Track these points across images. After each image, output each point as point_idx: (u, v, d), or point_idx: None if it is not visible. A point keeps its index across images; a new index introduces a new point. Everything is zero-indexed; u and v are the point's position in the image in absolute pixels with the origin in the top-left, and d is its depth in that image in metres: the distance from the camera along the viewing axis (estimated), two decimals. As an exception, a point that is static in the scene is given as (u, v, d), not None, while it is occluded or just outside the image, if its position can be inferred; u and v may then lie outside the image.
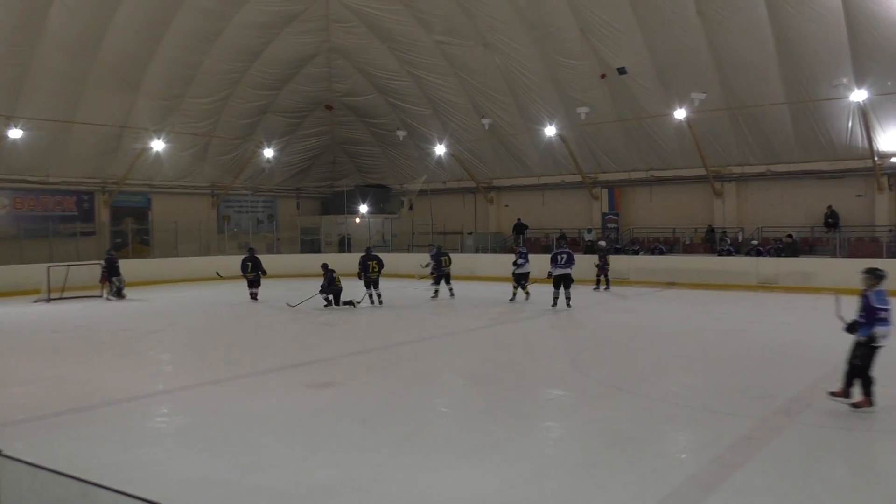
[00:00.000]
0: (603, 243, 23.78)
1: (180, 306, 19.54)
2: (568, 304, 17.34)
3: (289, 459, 6.48)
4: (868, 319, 7.59)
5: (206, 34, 26.02)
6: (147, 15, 24.06)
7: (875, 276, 7.75)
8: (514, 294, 18.94)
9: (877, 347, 7.59)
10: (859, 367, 7.67)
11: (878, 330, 7.50)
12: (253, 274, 20.08)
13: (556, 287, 17.50)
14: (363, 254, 19.22)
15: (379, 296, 18.69)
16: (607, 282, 21.86)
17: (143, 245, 29.25)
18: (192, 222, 30.01)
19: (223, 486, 5.87)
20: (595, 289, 21.73)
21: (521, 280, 18.81)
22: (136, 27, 24.15)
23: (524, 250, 19.31)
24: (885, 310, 7.54)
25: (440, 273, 19.94)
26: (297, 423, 7.65)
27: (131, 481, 5.86)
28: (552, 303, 17.37)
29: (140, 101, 26.36)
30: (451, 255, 21.14)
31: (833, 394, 7.90)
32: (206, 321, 16.72)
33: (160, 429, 7.79)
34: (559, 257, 17.53)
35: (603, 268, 21.85)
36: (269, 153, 30.83)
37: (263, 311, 18.16)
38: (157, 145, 27.08)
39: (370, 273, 18.58)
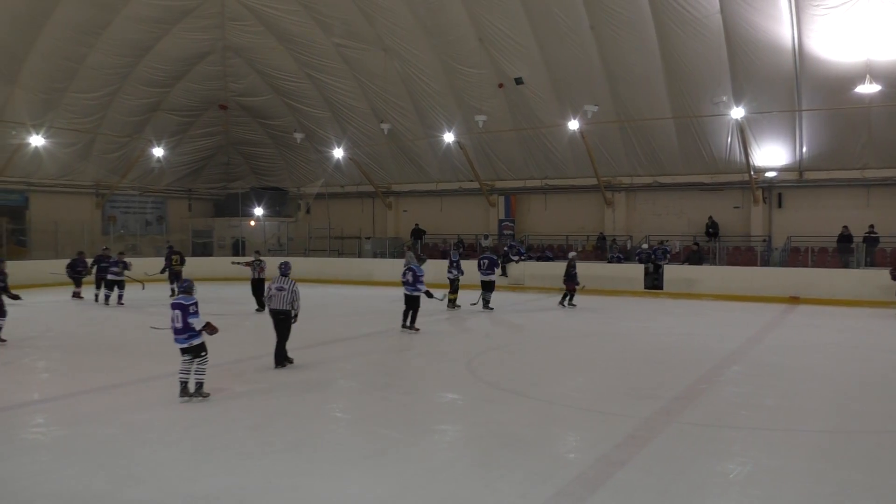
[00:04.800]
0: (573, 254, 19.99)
1: (59, 311, 18.49)
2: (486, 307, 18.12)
3: (172, 470, 6.24)
4: None
5: (92, 25, 24.72)
6: (25, 1, 22.66)
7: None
8: (448, 300, 18.30)
9: None
10: None
11: None
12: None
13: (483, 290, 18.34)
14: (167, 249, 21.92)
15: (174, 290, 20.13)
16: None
17: (19, 246, 27.48)
18: (74, 223, 28.43)
19: (98, 499, 5.60)
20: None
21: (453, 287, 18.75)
22: (13, 14, 22.71)
23: (456, 258, 19.18)
24: None
25: (171, 272, 21.09)
26: (183, 432, 7.38)
27: (2, 496, 5.51)
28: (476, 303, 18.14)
29: (17, 93, 24.77)
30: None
31: None
32: (85, 327, 15.88)
33: (34, 440, 7.33)
34: (482, 262, 18.44)
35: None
36: (158, 152, 29.56)
37: (146, 315, 17.42)
38: (37, 141, 25.53)
39: (174, 266, 20.94)
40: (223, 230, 33.83)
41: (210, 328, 8.66)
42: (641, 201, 27.51)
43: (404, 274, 14.40)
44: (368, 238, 31.74)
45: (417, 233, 30.28)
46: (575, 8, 22.53)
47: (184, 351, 8.68)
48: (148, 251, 30.47)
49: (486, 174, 29.34)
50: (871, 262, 21.45)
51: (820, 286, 20.06)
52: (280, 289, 10.45)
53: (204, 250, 32.39)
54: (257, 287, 17.67)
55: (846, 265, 21.33)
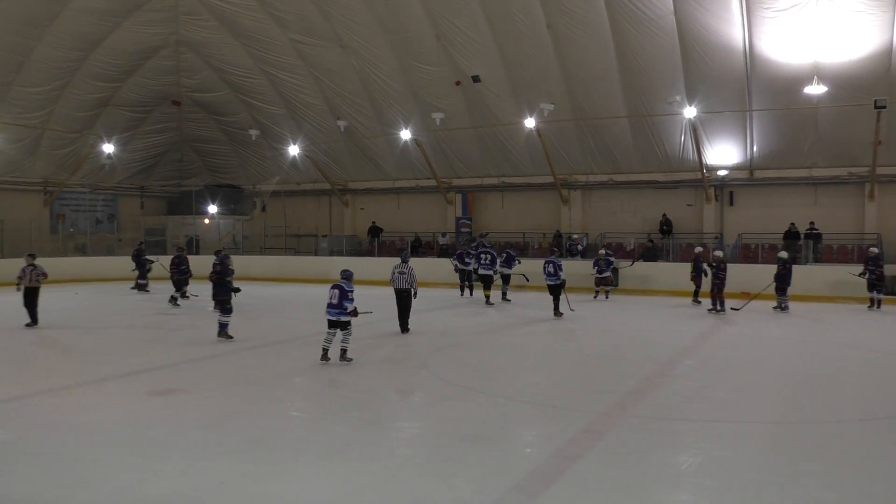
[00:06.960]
0: (719, 253, 18.65)
1: (3, 312, 17.94)
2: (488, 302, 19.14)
3: (123, 472, 6.11)
4: None
5: (40, 17, 24.03)
6: (-32, -7, 22.01)
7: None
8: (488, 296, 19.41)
9: None
10: None
11: None
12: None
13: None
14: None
15: None
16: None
17: (-39, 245, 26.65)
18: (21, 221, 27.62)
19: None
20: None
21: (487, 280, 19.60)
22: (-45, 6, 22.03)
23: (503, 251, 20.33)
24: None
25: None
26: (135, 434, 7.22)
27: (-61, 503, 5.34)
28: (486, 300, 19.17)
29: (-41, 87, 24.06)
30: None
31: None
32: (32, 329, 15.41)
33: (-24, 444, 7.11)
34: (482, 256, 19.51)
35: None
36: (109, 149, 28.90)
37: (99, 315, 17.04)
38: (-20, 137, 24.80)
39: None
40: (177, 228, 33.22)
41: (355, 312, 10.41)
42: (597, 199, 27.81)
43: (545, 266, 16.41)
44: (325, 236, 31.49)
45: (374, 230, 30.16)
46: (532, 7, 22.67)
47: (331, 324, 10.48)
48: (98, 250, 29.83)
49: (444, 172, 29.36)
50: (818, 259, 22.03)
51: (769, 282, 20.49)
52: (402, 273, 13.43)
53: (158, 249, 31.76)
54: (29, 297, 14.67)
55: (794, 261, 21.84)
